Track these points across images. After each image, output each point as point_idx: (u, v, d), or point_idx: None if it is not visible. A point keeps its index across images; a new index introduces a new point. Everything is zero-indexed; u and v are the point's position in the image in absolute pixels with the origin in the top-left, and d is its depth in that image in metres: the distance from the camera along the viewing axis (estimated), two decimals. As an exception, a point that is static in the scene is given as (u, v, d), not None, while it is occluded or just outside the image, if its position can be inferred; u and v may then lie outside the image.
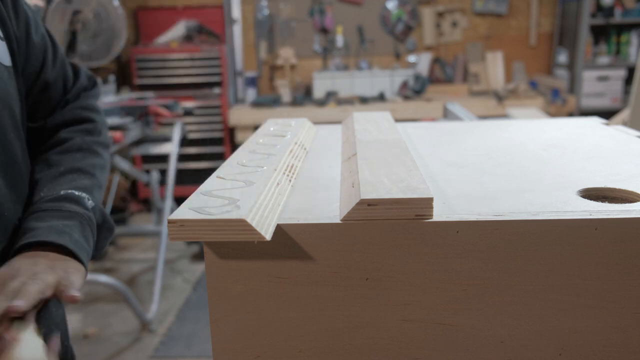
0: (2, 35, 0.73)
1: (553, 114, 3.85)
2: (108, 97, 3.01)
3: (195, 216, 0.50)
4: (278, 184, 0.61)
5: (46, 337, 0.64)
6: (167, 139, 3.04)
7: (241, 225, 0.49)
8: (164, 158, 3.25)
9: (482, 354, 0.55)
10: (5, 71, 0.72)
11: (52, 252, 0.69)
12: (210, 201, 0.54)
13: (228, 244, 0.53)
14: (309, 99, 4.29)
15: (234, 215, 0.50)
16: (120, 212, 3.86)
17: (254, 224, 0.50)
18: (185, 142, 3.24)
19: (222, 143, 4.23)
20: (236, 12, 4.39)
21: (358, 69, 4.49)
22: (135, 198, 4.25)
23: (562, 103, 3.99)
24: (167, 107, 2.89)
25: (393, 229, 0.52)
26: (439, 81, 4.56)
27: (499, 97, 3.99)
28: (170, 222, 0.50)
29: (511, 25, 4.53)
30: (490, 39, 4.54)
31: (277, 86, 4.41)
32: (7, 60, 0.73)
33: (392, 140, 0.76)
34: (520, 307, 0.54)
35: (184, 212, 0.52)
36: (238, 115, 4.03)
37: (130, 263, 3.45)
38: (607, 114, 3.34)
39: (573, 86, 4.25)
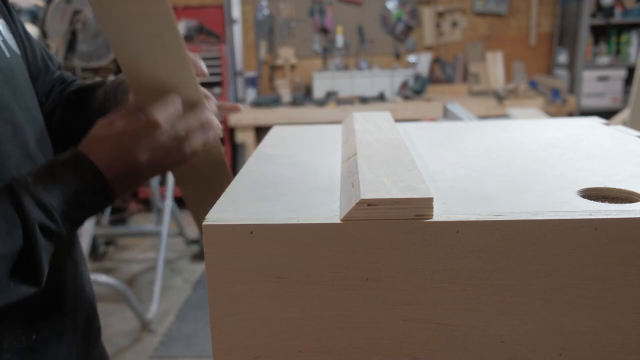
0: (8, 29, 0.75)
1: (553, 114, 3.85)
2: (108, 97, 3.01)
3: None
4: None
5: None
6: (167, 139, 3.03)
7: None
8: (164, 158, 3.24)
9: (482, 354, 0.55)
10: (15, 61, 0.73)
11: None
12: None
13: (228, 245, 0.53)
14: (309, 99, 4.29)
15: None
16: (120, 212, 3.86)
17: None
18: (185, 142, 3.23)
19: (222, 143, 4.22)
20: (236, 12, 4.39)
21: (358, 69, 4.49)
22: (135, 198, 4.25)
23: (562, 103, 3.99)
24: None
25: (393, 229, 0.52)
26: (439, 81, 4.56)
27: (499, 97, 3.99)
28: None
29: (511, 25, 4.53)
30: (490, 39, 4.54)
31: (277, 86, 4.41)
32: (17, 51, 0.75)
33: (392, 140, 0.76)
34: (520, 307, 0.54)
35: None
36: (238, 115, 4.03)
37: (130, 263, 3.45)
38: (607, 114, 3.34)
39: (573, 86, 4.25)
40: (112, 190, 0.65)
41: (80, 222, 0.66)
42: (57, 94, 0.88)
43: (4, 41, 0.71)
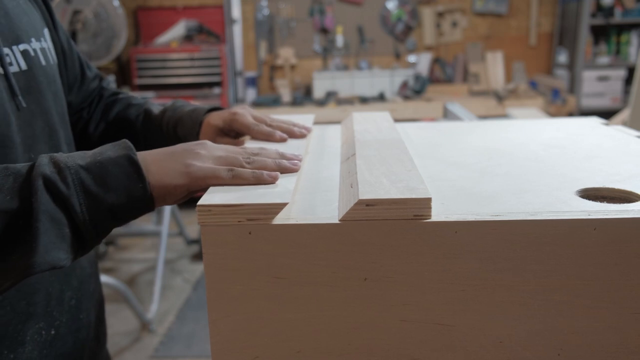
0: (50, 38, 0.80)
1: (553, 114, 3.85)
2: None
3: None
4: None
5: None
6: (167, 139, 3.03)
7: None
8: (164, 158, 3.24)
9: (481, 354, 0.55)
10: (55, 68, 0.79)
11: None
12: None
13: (226, 245, 0.53)
14: (309, 99, 4.29)
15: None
16: (120, 212, 3.85)
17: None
18: (185, 142, 3.23)
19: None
20: (236, 12, 4.39)
21: (358, 69, 4.49)
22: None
23: (562, 103, 3.99)
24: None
25: (392, 229, 0.52)
26: (439, 81, 4.55)
27: (499, 97, 3.99)
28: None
29: (511, 25, 4.53)
30: (490, 39, 4.54)
31: (277, 86, 4.41)
32: (55, 59, 0.80)
33: (391, 140, 0.76)
34: (519, 307, 0.54)
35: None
36: (238, 115, 4.02)
37: (130, 263, 3.45)
38: (607, 114, 3.34)
39: (573, 86, 4.24)
40: (145, 181, 0.57)
41: (101, 207, 0.55)
42: (100, 112, 0.91)
43: (48, 49, 0.75)
